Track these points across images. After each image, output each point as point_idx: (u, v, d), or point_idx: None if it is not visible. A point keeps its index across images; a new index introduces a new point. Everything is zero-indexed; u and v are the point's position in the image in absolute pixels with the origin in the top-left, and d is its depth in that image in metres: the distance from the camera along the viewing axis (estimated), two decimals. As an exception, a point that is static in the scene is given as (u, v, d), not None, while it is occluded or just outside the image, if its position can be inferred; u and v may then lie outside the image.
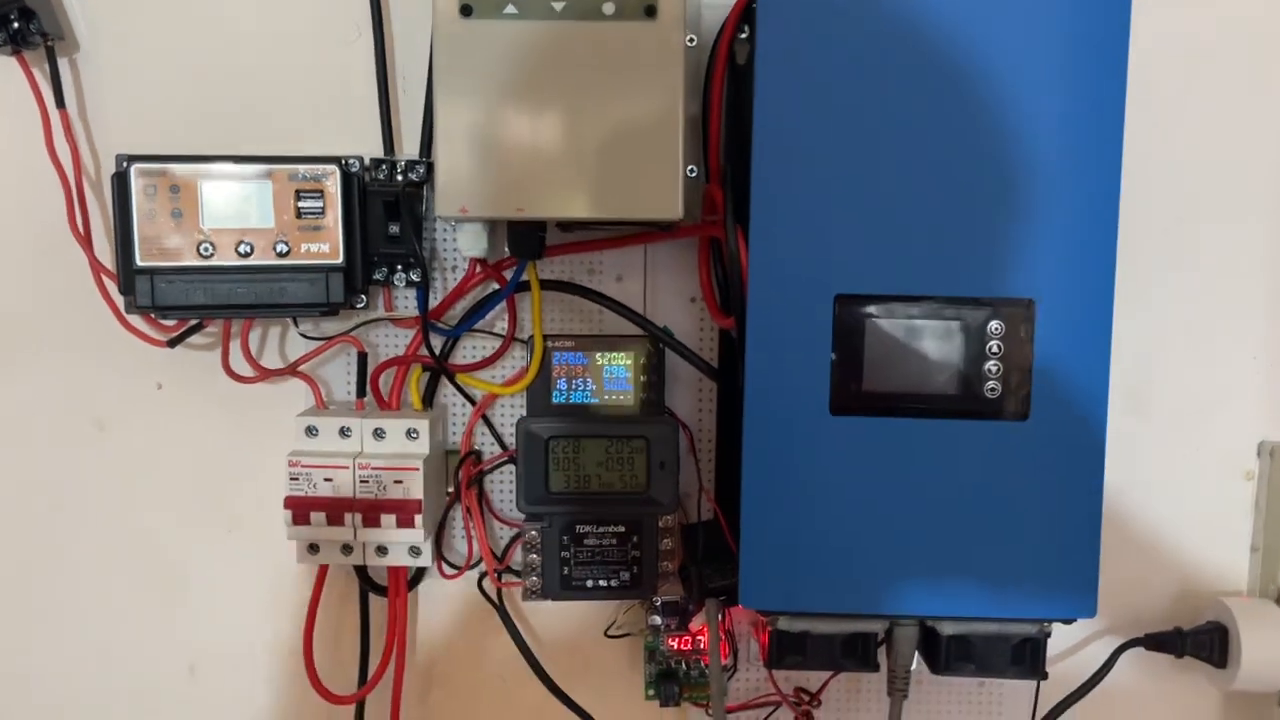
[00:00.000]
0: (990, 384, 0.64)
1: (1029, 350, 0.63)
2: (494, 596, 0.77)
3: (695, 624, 0.76)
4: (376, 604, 0.78)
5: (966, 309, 0.63)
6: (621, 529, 0.73)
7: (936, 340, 0.64)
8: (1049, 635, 0.66)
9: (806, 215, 0.63)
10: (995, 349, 0.64)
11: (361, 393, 0.75)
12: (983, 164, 0.62)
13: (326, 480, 0.71)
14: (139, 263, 0.68)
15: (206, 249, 0.69)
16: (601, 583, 0.73)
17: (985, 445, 0.64)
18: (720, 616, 0.73)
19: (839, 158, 0.62)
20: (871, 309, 0.63)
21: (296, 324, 0.75)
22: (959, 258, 0.63)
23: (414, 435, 0.73)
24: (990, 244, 0.63)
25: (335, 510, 0.71)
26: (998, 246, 0.63)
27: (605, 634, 0.78)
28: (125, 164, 0.68)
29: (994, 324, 0.63)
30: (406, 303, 0.76)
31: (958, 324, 0.64)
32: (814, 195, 0.63)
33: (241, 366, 0.74)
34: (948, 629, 0.66)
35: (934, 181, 0.63)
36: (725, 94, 0.69)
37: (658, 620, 0.75)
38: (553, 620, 0.80)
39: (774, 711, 0.79)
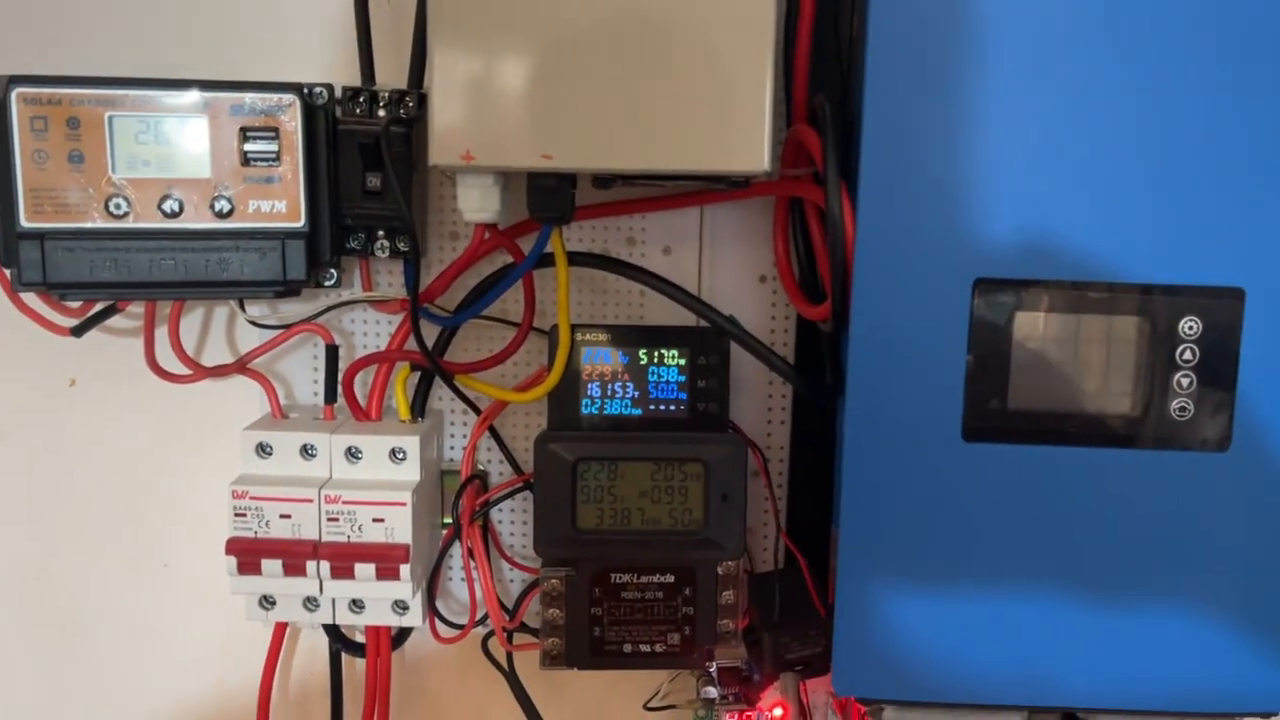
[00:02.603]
0: (1179, 403, 0.51)
1: (1234, 358, 0.50)
2: (502, 661, 0.62)
3: (763, 698, 0.60)
4: (352, 665, 0.64)
5: (1150, 301, 0.50)
6: (670, 578, 0.58)
7: (1108, 344, 0.51)
8: (1240, 733, 0.54)
9: (940, 169, 0.49)
10: (1188, 356, 0.50)
11: (331, 398, 0.59)
12: (1181, 111, 0.48)
13: (283, 517, 0.55)
14: (24, 223, 0.52)
15: (118, 206, 0.52)
16: (643, 647, 0.58)
17: (1170, 485, 0.51)
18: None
19: (988, 89, 0.48)
20: (1023, 299, 0.50)
21: (243, 308, 0.57)
22: (1143, 232, 0.49)
23: (400, 456, 0.56)
24: (1186, 214, 0.49)
25: (294, 557, 0.54)
26: (1195, 217, 0.49)
27: (644, 707, 0.64)
28: (5, 88, 0.51)
29: (1187, 322, 0.50)
30: (391, 280, 0.60)
31: (1138, 322, 0.50)
32: (951, 142, 0.49)
33: (171, 361, 0.57)
34: (1108, 725, 0.52)
35: (1117, 130, 0.49)
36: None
37: (713, 692, 0.60)
38: (577, 690, 0.65)
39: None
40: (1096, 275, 0.49)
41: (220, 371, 0.59)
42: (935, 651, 0.52)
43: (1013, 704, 0.52)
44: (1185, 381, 0.50)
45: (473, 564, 0.59)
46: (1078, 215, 0.49)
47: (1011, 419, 0.50)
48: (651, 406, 0.58)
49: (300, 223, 0.53)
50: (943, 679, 0.52)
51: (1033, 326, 0.50)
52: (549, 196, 0.52)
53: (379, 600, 0.57)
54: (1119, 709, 0.52)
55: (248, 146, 0.53)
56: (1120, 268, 0.49)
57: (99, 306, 0.57)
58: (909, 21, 0.48)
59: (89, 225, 0.52)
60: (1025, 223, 0.49)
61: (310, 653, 0.65)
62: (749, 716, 0.61)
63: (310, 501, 0.55)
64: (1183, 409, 0.50)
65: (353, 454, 0.57)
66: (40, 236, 0.51)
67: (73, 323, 0.57)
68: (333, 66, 0.59)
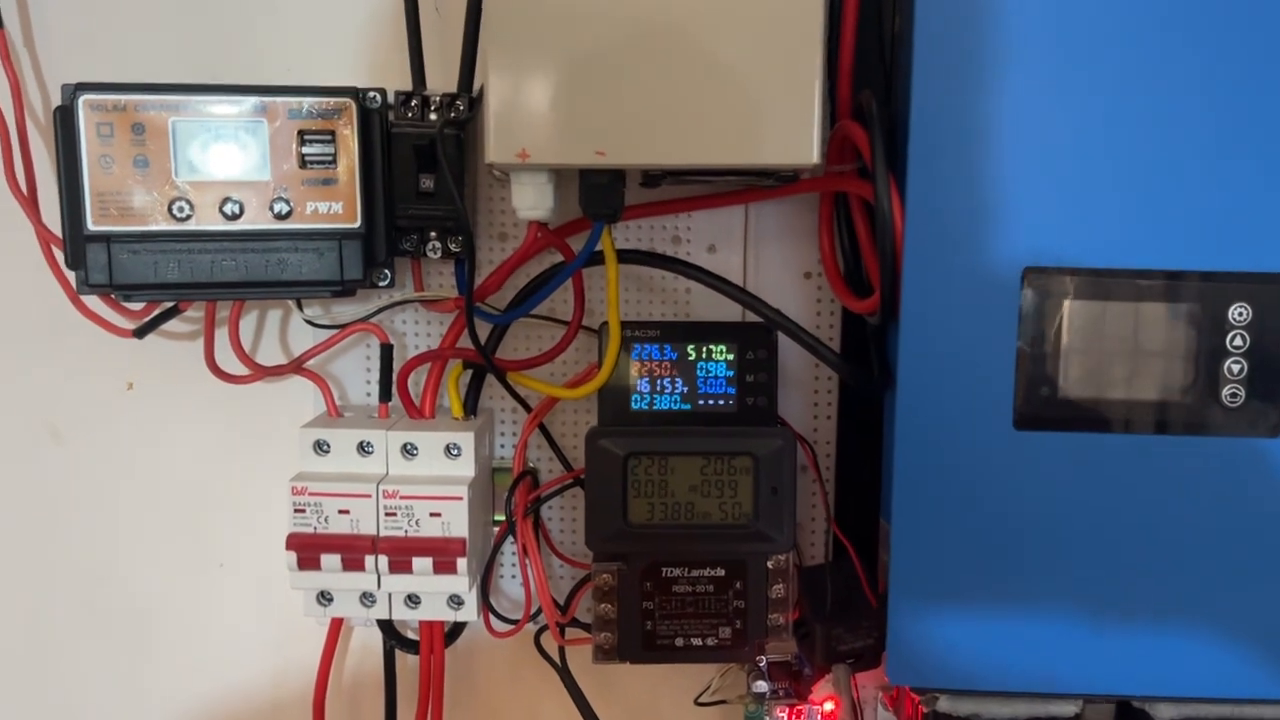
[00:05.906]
0: (1230, 389, 0.51)
1: (1285, 343, 0.50)
2: (555, 656, 0.62)
3: (813, 692, 0.60)
4: (405, 662, 0.64)
5: (1200, 288, 0.50)
6: (721, 572, 0.58)
7: (1158, 331, 0.51)
8: (1298, 720, 0.53)
9: (986, 162, 0.49)
10: (1238, 342, 0.50)
11: (386, 396, 0.60)
12: (1225, 99, 0.49)
13: (342, 513, 0.55)
14: (91, 226, 0.53)
15: (181, 209, 0.53)
16: (695, 641, 0.58)
17: (1222, 471, 0.51)
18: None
19: (1032, 81, 0.49)
20: (1071, 288, 0.50)
21: (301, 307, 0.59)
22: (1191, 219, 0.49)
23: (455, 452, 0.57)
24: (1233, 201, 0.49)
25: (353, 552, 0.55)
26: (1242, 204, 0.49)
27: (695, 702, 0.64)
28: (72, 95, 0.52)
29: (1237, 308, 0.50)
30: (441, 281, 0.61)
31: (1188, 309, 0.50)
32: (997, 134, 0.49)
33: (230, 362, 0.59)
34: (1164, 713, 0.53)
35: (1162, 118, 0.49)
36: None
37: (764, 686, 0.60)
38: (629, 684, 0.66)
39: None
40: (1144, 263, 0.49)
41: (277, 371, 0.59)
42: (989, 640, 0.52)
43: (1067, 692, 0.52)
44: (1236, 368, 0.50)
45: (526, 559, 0.60)
46: (1123, 203, 0.49)
47: (1062, 407, 0.50)
48: (700, 401, 0.59)
49: (356, 223, 0.54)
50: (997, 667, 0.52)
51: (1081, 314, 0.50)
52: (601, 194, 0.53)
53: (435, 595, 0.58)
54: (1173, 696, 0.52)
55: (305, 150, 0.53)
56: (1168, 255, 0.49)
57: (161, 308, 0.58)
58: (954, 18, 0.48)
59: (153, 228, 0.53)
60: (1072, 212, 0.49)
61: (362, 651, 0.65)
62: (800, 711, 0.61)
63: (368, 497, 0.55)
64: (1234, 395, 0.50)
65: (408, 450, 0.57)
66: (106, 239, 0.52)
67: (134, 325, 0.58)
68: (382, 71, 0.60)
